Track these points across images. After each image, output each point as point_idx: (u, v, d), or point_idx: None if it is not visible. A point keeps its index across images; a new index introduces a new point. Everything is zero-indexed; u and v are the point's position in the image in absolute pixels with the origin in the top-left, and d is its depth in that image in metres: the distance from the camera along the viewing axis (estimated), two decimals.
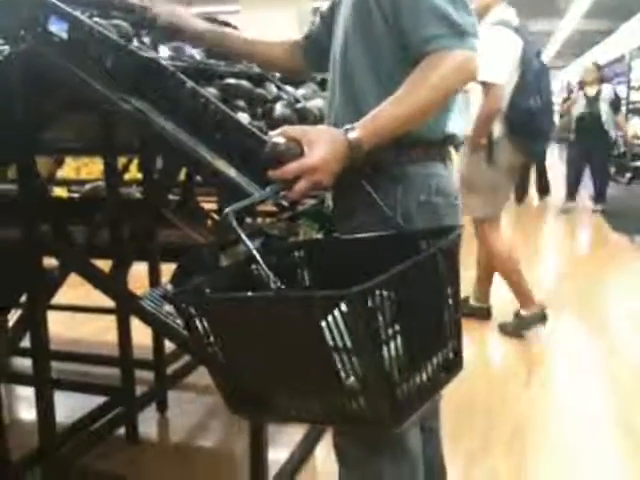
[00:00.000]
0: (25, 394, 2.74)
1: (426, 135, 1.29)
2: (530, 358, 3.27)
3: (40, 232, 1.70)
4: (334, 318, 0.98)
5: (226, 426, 2.66)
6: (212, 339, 1.11)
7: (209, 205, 3.22)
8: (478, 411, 2.63)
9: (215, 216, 3.02)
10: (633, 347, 3.42)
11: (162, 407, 2.65)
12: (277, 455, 2.05)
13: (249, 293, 1.07)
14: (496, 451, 2.33)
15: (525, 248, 5.40)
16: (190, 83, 1.46)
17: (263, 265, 1.02)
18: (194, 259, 1.83)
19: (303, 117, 1.90)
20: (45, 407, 1.80)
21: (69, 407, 2.38)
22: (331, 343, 0.99)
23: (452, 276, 1.16)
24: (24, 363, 2.57)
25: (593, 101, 7.21)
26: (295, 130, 1.18)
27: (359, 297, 0.96)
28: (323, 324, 0.98)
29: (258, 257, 1.02)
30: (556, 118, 8.12)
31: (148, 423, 2.53)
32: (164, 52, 1.78)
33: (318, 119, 1.95)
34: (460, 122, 1.38)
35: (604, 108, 7.17)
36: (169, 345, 2.62)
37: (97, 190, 2.81)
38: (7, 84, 1.58)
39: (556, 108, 7.26)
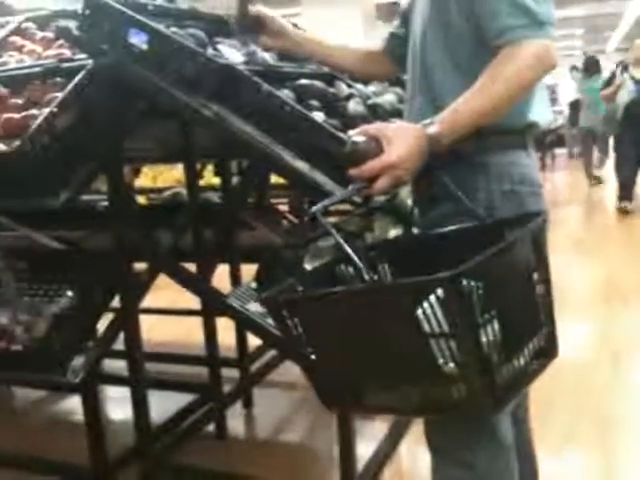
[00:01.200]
0: (113, 395, 2.86)
1: (507, 123, 1.26)
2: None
3: (129, 238, 1.77)
4: (430, 305, 0.98)
5: (311, 421, 2.70)
6: (305, 337, 1.13)
7: (282, 207, 3.28)
8: (563, 402, 2.58)
9: (290, 217, 3.07)
10: None
11: (248, 403, 2.71)
12: (363, 449, 2.06)
13: (342, 287, 1.08)
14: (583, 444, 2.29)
15: None
16: (265, 86, 1.50)
17: (355, 258, 1.03)
18: (276, 258, 1.87)
19: (376, 113, 1.92)
20: (141, 406, 1.88)
21: (160, 406, 2.46)
22: (428, 330, 1.00)
23: (540, 262, 1.14)
24: (113, 365, 2.70)
25: None
26: (374, 128, 1.20)
27: (454, 280, 0.96)
28: (419, 311, 0.99)
29: (349, 250, 1.04)
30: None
31: (235, 419, 2.60)
32: (238, 58, 1.82)
33: (390, 114, 1.96)
34: (544, 111, 1.36)
35: None
36: (252, 344, 2.69)
37: (177, 196, 2.90)
38: (93, 97, 1.65)
39: None
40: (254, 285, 1.92)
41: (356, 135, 1.20)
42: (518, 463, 1.37)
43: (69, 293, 1.98)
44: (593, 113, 8.09)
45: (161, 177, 5.17)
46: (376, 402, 1.14)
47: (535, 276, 1.14)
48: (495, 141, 1.28)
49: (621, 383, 2.79)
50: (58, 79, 1.76)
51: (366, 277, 1.02)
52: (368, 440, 2.22)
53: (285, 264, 1.87)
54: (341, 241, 1.05)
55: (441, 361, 1.01)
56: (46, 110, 1.62)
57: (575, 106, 9.71)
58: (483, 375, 1.01)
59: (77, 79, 1.65)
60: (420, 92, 1.35)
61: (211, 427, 2.47)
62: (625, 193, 6.56)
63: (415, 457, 2.28)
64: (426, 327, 1.00)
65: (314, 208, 1.09)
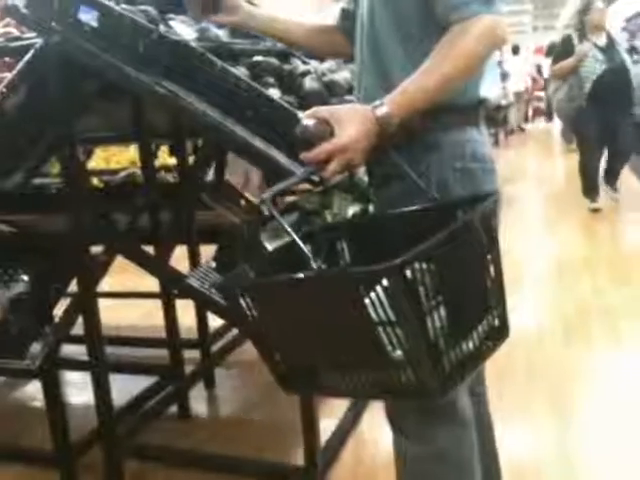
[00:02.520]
0: (74, 380, 2.83)
1: (458, 100, 1.28)
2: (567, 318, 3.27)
3: (85, 220, 1.74)
4: (376, 293, 0.99)
5: (274, 399, 2.72)
6: (259, 320, 1.14)
7: None
8: (519, 373, 2.65)
9: (248, 196, 3.06)
10: None
11: (210, 384, 2.72)
12: (325, 424, 2.09)
13: (291, 275, 1.08)
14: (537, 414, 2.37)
15: None
16: (220, 63, 1.49)
17: (303, 247, 1.03)
18: (234, 238, 1.87)
19: (331, 90, 1.92)
20: (102, 389, 1.87)
21: (122, 389, 2.45)
22: (375, 318, 1.01)
23: (491, 243, 1.16)
24: (71, 349, 2.66)
25: (608, 51, 5.25)
26: (324, 110, 1.20)
27: (398, 270, 0.97)
28: (366, 300, 1.00)
29: (298, 241, 1.04)
30: None
31: (198, 400, 2.60)
32: (190, 34, 1.80)
33: (346, 90, 1.97)
34: (493, 87, 1.37)
35: (627, 59, 5.33)
36: (212, 324, 2.69)
37: (132, 177, 2.87)
38: (43, 75, 1.61)
39: None
40: (214, 265, 1.92)
41: (307, 118, 1.20)
42: (478, 436, 1.42)
43: (24, 278, 1.95)
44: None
45: (114, 158, 5.09)
46: (330, 385, 1.15)
47: (487, 258, 1.16)
48: (446, 119, 1.29)
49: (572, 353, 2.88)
50: (6, 59, 1.71)
51: (313, 265, 1.02)
52: (330, 415, 2.25)
53: (244, 242, 1.87)
54: (289, 229, 1.05)
55: (389, 348, 1.03)
56: None
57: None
58: (430, 362, 1.03)
59: (26, 58, 1.61)
60: (369, 67, 1.35)
61: (174, 409, 2.47)
62: (591, 185, 5.53)
63: (376, 430, 2.33)
64: (373, 315, 1.00)
65: (264, 195, 1.09)
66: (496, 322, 1.18)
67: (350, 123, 1.17)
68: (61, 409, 1.88)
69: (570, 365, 2.72)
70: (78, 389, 2.73)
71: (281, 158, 1.43)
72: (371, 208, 2.19)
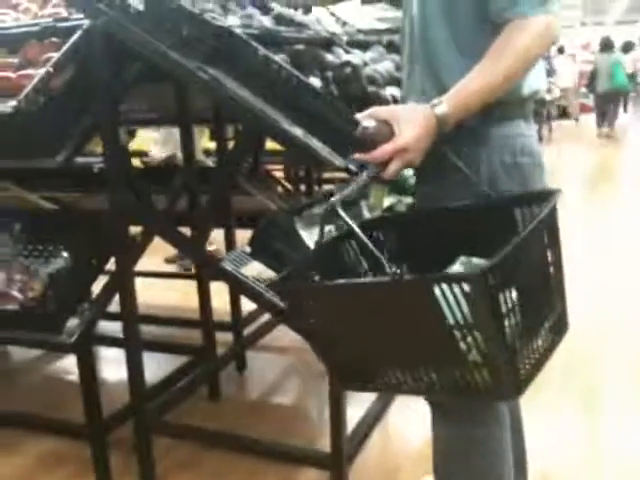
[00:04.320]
0: (109, 356, 2.90)
1: (508, 94, 1.26)
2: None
3: (125, 200, 1.78)
4: (454, 296, 0.99)
5: (303, 385, 2.75)
6: (320, 319, 1.15)
7: (277, 173, 3.28)
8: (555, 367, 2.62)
9: (285, 183, 3.08)
10: None
11: (241, 366, 2.75)
12: (353, 412, 2.10)
13: (364, 279, 1.10)
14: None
15: None
16: (263, 50, 1.49)
17: (379, 254, 1.04)
18: (271, 223, 1.89)
19: (372, 80, 1.91)
20: (135, 366, 1.90)
21: (154, 368, 2.50)
22: (452, 321, 1.01)
23: (553, 241, 1.16)
24: (108, 327, 2.72)
25: None
26: (384, 110, 1.22)
27: (483, 277, 0.96)
28: (443, 303, 1.00)
29: (372, 247, 1.05)
30: None
31: (229, 382, 2.64)
32: (234, 21, 1.81)
33: (387, 82, 1.96)
34: (542, 75, 1.36)
35: None
36: (245, 309, 2.72)
37: (172, 159, 2.90)
38: (89, 57, 1.64)
39: None
40: (248, 250, 1.94)
41: (366, 118, 1.21)
42: (510, 426, 1.42)
43: (64, 254, 2.00)
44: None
45: None
46: (391, 383, 1.15)
47: (549, 256, 1.15)
48: (496, 112, 1.27)
49: (607, 352, 2.84)
50: (54, 39, 1.75)
51: (388, 271, 1.01)
52: (358, 402, 2.26)
53: (279, 230, 1.88)
54: (363, 237, 1.06)
55: (465, 349, 1.02)
56: (42, 70, 1.61)
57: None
58: (507, 363, 1.02)
59: (73, 39, 1.64)
60: (422, 68, 1.34)
61: (204, 389, 2.51)
62: None
63: (403, 422, 2.33)
64: (450, 318, 1.00)
65: (332, 199, 1.10)
66: (556, 319, 1.18)
67: (410, 123, 1.17)
68: (95, 384, 1.92)
69: (606, 365, 2.69)
70: (113, 366, 2.80)
71: (319, 148, 1.43)
72: (409, 200, 2.19)
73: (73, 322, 1.85)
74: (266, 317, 2.85)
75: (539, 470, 1.83)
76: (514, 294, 1.04)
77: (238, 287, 1.85)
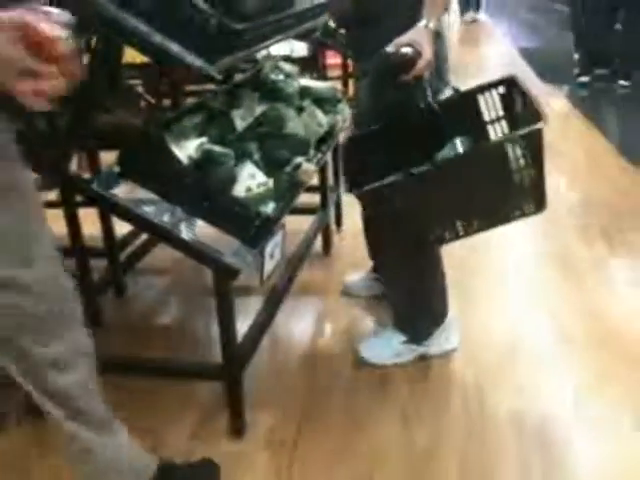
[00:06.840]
0: None
1: None
2: None
3: None
4: (514, 152, 1.68)
5: (184, 303, 2.74)
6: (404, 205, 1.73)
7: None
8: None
9: (147, 97, 2.94)
10: None
11: (121, 291, 2.70)
12: (240, 325, 2.12)
13: (456, 153, 1.89)
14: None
15: None
16: None
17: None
18: (139, 140, 1.81)
19: None
20: None
21: None
22: (514, 166, 1.70)
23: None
24: None
25: None
26: (404, 38, 1.72)
27: (539, 132, 1.66)
28: (511, 155, 1.68)
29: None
30: None
31: (109, 308, 2.58)
32: None
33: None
34: None
35: None
36: (119, 233, 2.64)
37: None
38: None
39: None
40: (118, 170, 1.85)
41: (398, 47, 1.71)
42: None
43: None
44: None
45: None
46: (439, 237, 1.84)
47: None
48: None
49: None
50: None
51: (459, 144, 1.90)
52: (245, 316, 2.29)
53: (149, 146, 1.81)
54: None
55: (518, 181, 1.72)
56: None
57: None
58: (544, 184, 1.75)
59: None
60: None
61: (85, 318, 2.43)
62: None
63: (288, 327, 2.41)
64: (513, 163, 1.69)
65: (366, 188, 1.70)
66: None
67: (425, 43, 1.70)
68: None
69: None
70: None
71: (176, 49, 1.39)
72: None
73: None
74: (142, 239, 2.77)
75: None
76: None
77: (114, 210, 1.78)
